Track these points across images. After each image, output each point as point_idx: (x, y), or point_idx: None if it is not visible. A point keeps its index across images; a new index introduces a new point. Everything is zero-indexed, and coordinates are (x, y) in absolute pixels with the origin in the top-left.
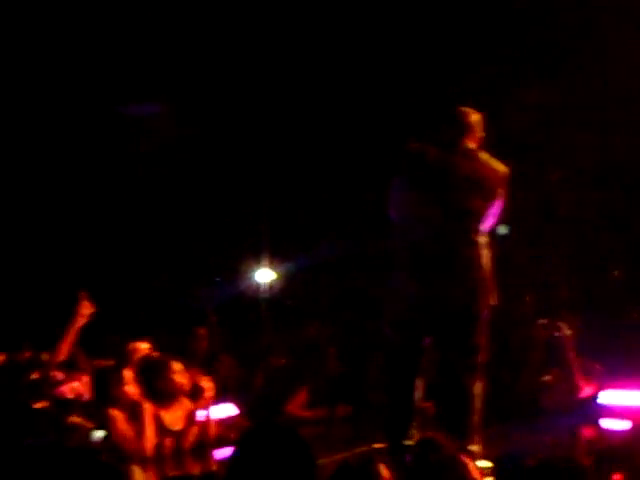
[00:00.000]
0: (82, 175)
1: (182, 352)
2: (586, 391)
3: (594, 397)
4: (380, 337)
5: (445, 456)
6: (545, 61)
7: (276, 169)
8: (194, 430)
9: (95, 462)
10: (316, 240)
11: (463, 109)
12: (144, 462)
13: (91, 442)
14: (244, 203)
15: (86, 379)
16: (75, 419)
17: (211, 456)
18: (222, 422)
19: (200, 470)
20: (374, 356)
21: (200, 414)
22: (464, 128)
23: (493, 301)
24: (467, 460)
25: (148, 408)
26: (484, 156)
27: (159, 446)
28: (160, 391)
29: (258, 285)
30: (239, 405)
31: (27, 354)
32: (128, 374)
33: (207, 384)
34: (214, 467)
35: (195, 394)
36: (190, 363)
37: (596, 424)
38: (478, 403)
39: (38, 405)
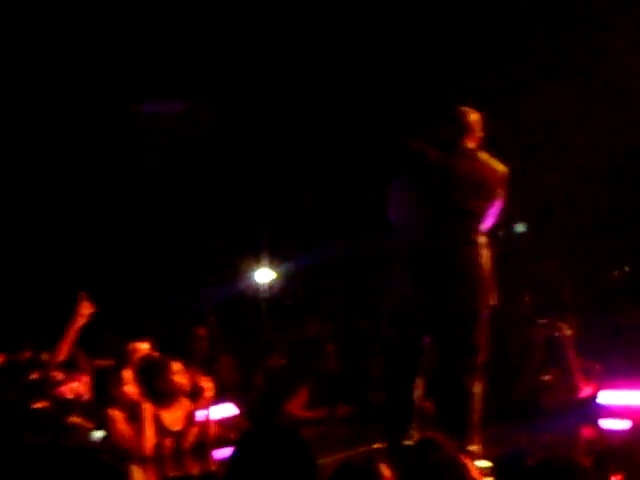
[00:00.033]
0: (81, 175)
1: (182, 352)
2: (586, 391)
3: (594, 397)
4: (379, 337)
5: (445, 456)
6: (546, 61)
7: (276, 169)
8: (194, 430)
9: (95, 462)
10: (316, 240)
11: (463, 109)
12: (144, 462)
13: (91, 442)
14: (244, 203)
15: (86, 379)
16: (75, 419)
17: (211, 456)
18: (222, 422)
19: (200, 470)
20: (374, 356)
21: (200, 414)
22: (464, 128)
23: (493, 301)
24: (467, 460)
25: (148, 408)
26: (484, 156)
27: (159, 446)
28: (160, 391)
29: (258, 285)
30: (239, 405)
31: (27, 354)
32: (128, 374)
33: (207, 384)
34: (214, 467)
35: (195, 394)
36: (190, 363)
37: (596, 424)
38: (477, 403)
39: (38, 405)
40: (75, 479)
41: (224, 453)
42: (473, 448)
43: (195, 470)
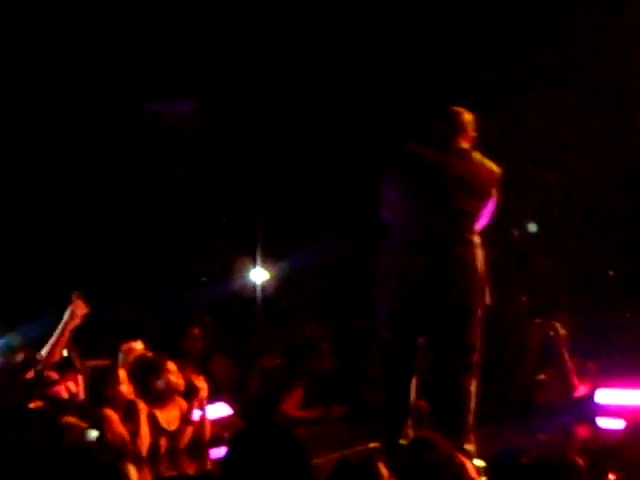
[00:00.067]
0: (78, 175)
1: (176, 352)
2: (580, 390)
3: (588, 396)
4: (375, 337)
5: (440, 455)
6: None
7: (271, 169)
8: (189, 430)
9: (90, 462)
10: (311, 240)
11: (456, 109)
12: (139, 462)
13: (86, 442)
14: (239, 202)
15: (81, 379)
16: (70, 419)
17: (206, 456)
18: (216, 422)
19: (195, 470)
20: (368, 355)
21: (195, 414)
22: (457, 128)
23: (488, 301)
24: (464, 459)
25: (143, 408)
26: (477, 156)
27: (154, 446)
28: (155, 391)
29: (252, 285)
30: (234, 405)
31: (22, 354)
32: (123, 374)
33: (201, 384)
34: (209, 467)
35: (190, 394)
36: (184, 363)
37: (591, 423)
38: (473, 402)
39: (33, 405)
40: (70, 479)
41: (219, 453)
42: (469, 447)
43: (190, 469)
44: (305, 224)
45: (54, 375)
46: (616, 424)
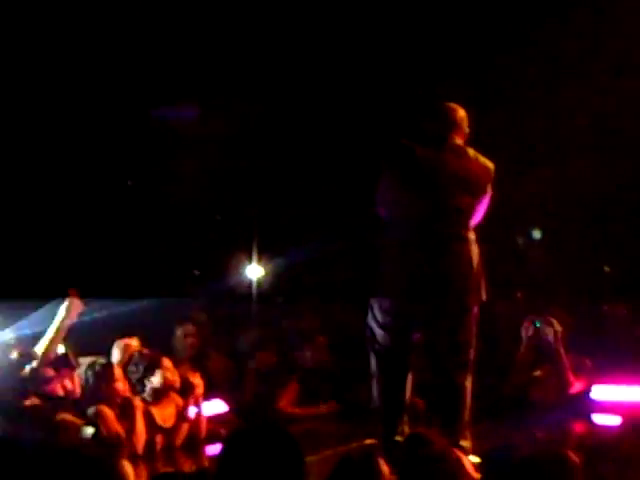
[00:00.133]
0: (76, 174)
1: (171, 349)
2: (576, 387)
3: (584, 392)
4: (370, 333)
5: (435, 451)
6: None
7: (267, 166)
8: (185, 427)
9: (86, 458)
10: (306, 236)
11: (450, 105)
12: (135, 459)
13: (81, 439)
14: (235, 199)
15: (76, 376)
16: (65, 416)
17: (202, 452)
18: (212, 419)
19: (191, 466)
20: (364, 352)
21: (191, 411)
22: (451, 124)
23: (483, 297)
24: (461, 454)
25: (138, 405)
26: (471, 152)
27: (150, 443)
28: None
29: (248, 281)
30: (229, 402)
31: (18, 351)
32: (118, 371)
33: (197, 381)
34: (205, 463)
35: (185, 391)
36: (180, 360)
37: (586, 419)
38: (468, 399)
39: (28, 402)
40: (66, 476)
41: (215, 449)
42: (464, 444)
43: (186, 466)
44: (301, 220)
45: (50, 372)
46: (612, 420)
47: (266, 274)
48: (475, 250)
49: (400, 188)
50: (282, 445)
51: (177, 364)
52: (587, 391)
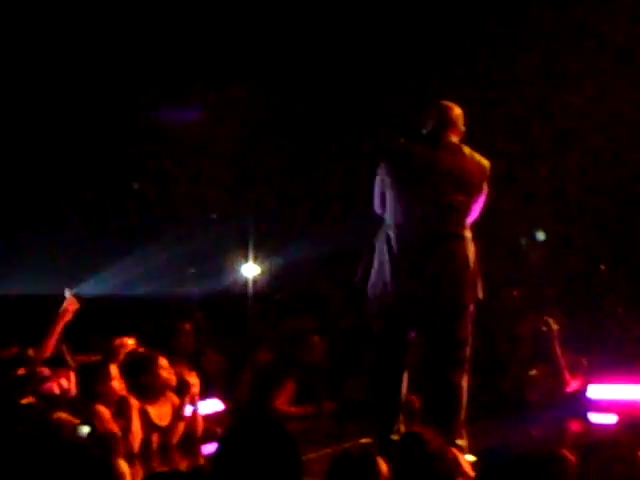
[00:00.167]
0: (73, 172)
1: (168, 347)
2: (572, 385)
3: (580, 391)
4: (366, 331)
5: (433, 450)
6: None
7: (263, 164)
8: (181, 425)
9: (82, 457)
10: (302, 234)
11: (445, 103)
12: (131, 458)
13: (77, 438)
14: (230, 198)
15: (72, 375)
16: (61, 415)
17: (198, 451)
18: (208, 417)
19: (187, 465)
20: (360, 351)
21: (187, 409)
22: (447, 122)
23: (479, 295)
24: (457, 453)
25: (134, 404)
26: (467, 150)
27: (146, 441)
28: (146, 386)
29: (244, 280)
30: (225, 401)
31: (13, 350)
32: (114, 370)
33: (193, 379)
34: (201, 462)
35: (181, 389)
36: (176, 358)
37: (583, 418)
38: (464, 397)
39: (24, 401)
40: (62, 474)
41: (211, 448)
42: (460, 442)
43: (183, 465)
44: (296, 219)
45: (46, 371)
46: (608, 419)
47: (262, 273)
48: (471, 248)
49: (396, 187)
50: (278, 443)
51: (173, 363)
52: (583, 390)
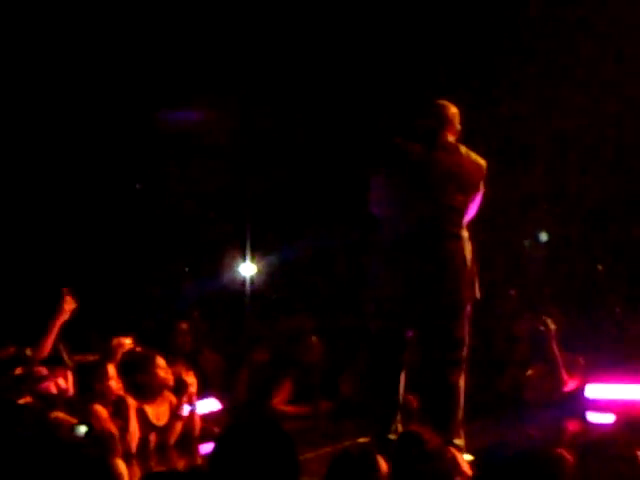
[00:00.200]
0: (72, 175)
1: (165, 347)
2: (570, 385)
3: (578, 391)
4: (363, 331)
5: (431, 449)
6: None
7: (260, 164)
8: (178, 425)
9: (79, 457)
10: (299, 233)
11: (441, 102)
12: (128, 457)
13: (75, 437)
14: (227, 197)
15: (70, 375)
16: (59, 414)
17: (196, 451)
18: (206, 417)
19: (185, 465)
20: (357, 350)
21: (185, 409)
22: (443, 121)
23: (477, 295)
24: (455, 453)
25: (132, 403)
26: (463, 149)
27: (143, 441)
28: (144, 386)
29: (241, 279)
30: (223, 400)
31: (11, 350)
32: (112, 369)
33: (190, 379)
34: (199, 462)
35: (179, 389)
36: (173, 358)
37: (580, 418)
38: (461, 397)
39: (22, 401)
40: (60, 474)
41: (209, 448)
42: (458, 442)
43: (180, 464)
44: (294, 218)
45: (43, 371)
46: (606, 418)
47: (259, 272)
48: (468, 248)
49: (392, 186)
50: (276, 442)
51: (171, 362)
52: (581, 389)
